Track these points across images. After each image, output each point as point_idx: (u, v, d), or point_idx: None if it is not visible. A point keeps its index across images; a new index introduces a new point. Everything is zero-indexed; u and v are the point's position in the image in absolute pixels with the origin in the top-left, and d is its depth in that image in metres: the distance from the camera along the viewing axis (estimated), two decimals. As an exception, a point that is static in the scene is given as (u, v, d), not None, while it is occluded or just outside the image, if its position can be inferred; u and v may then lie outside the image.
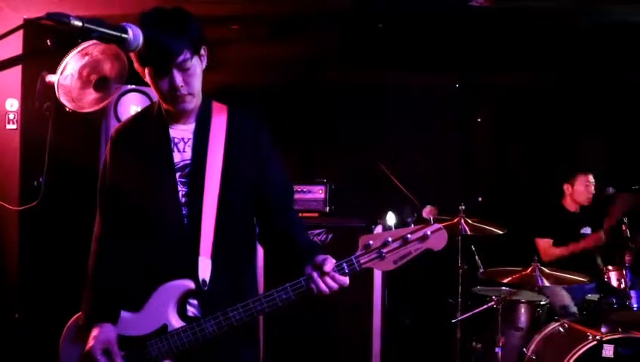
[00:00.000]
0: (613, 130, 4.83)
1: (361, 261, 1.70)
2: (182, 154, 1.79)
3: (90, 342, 1.75)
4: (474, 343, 3.68)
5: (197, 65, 1.73)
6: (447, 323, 3.71)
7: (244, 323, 1.71)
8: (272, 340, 3.54)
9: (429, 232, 1.70)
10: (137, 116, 1.95)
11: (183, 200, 1.77)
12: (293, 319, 3.54)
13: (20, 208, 3.35)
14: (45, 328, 3.31)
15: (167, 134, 1.80)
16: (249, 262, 1.90)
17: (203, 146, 1.78)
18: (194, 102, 1.77)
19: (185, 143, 1.80)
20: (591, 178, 4.26)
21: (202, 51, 1.76)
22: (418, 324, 4.40)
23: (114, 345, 1.75)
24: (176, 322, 1.76)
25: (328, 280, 1.67)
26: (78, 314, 1.87)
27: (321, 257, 1.69)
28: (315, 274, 1.67)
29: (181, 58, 1.66)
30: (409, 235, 1.70)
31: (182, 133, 1.81)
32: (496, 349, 3.39)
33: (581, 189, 4.25)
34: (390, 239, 1.70)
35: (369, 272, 3.62)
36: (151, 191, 1.78)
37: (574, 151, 5.01)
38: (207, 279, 1.75)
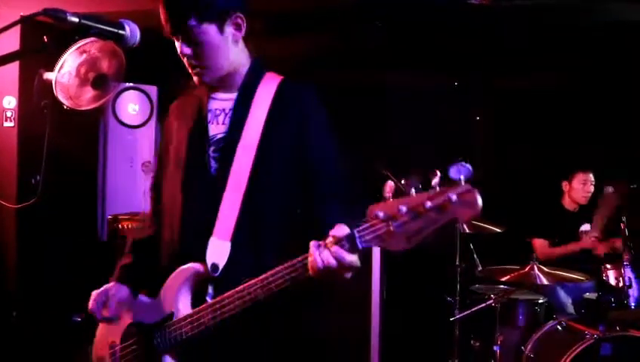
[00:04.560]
0: (613, 130, 4.83)
1: (366, 237, 1.33)
2: (219, 127, 1.64)
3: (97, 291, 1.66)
4: (472, 341, 3.68)
5: (211, 36, 1.56)
6: (446, 322, 3.71)
7: (243, 316, 1.47)
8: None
9: (454, 197, 1.25)
10: (191, 88, 1.79)
11: (213, 175, 1.61)
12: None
13: (18, 206, 3.35)
14: (43, 326, 3.31)
15: (204, 106, 1.66)
16: (281, 251, 1.55)
17: (241, 119, 1.61)
18: (211, 75, 1.61)
19: (226, 115, 1.65)
20: (590, 176, 4.24)
21: (229, 20, 1.58)
22: (416, 322, 4.40)
23: (114, 300, 1.64)
24: (184, 310, 1.57)
25: (325, 253, 1.35)
26: None
27: (330, 232, 1.39)
28: (312, 248, 1.38)
29: (183, 27, 1.53)
30: (428, 202, 1.27)
31: (223, 103, 1.66)
32: (495, 347, 3.39)
33: (578, 187, 4.24)
34: (404, 209, 1.28)
35: (367, 269, 3.62)
36: (184, 166, 1.65)
37: (574, 150, 5.00)
38: (221, 264, 1.54)
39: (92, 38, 2.49)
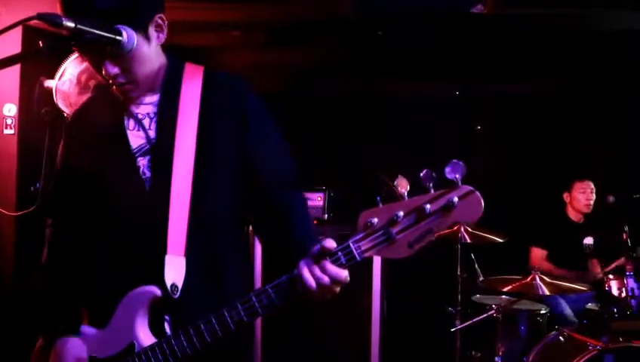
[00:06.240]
0: (615, 138, 4.81)
1: (363, 247, 1.25)
2: (147, 133, 1.47)
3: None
4: (473, 352, 3.65)
5: (139, 47, 1.37)
6: (447, 332, 3.67)
7: (224, 339, 1.34)
8: (270, 352, 3.51)
9: (455, 198, 1.20)
10: (96, 95, 1.63)
11: (149, 188, 1.45)
12: (292, 329, 3.51)
13: (17, 213, 3.33)
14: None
15: (121, 112, 1.49)
16: (237, 259, 1.54)
17: (171, 120, 1.45)
18: (139, 89, 1.45)
19: (151, 119, 1.48)
20: (590, 184, 4.20)
21: (153, 25, 1.42)
22: (417, 333, 4.36)
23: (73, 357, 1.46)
24: (145, 339, 1.41)
25: (317, 271, 1.25)
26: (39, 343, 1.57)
27: (317, 247, 1.27)
28: (302, 265, 1.27)
29: (114, 46, 1.32)
30: (428, 206, 1.20)
31: (146, 107, 1.49)
32: (496, 358, 3.36)
33: (579, 196, 4.21)
34: (401, 214, 1.21)
35: (367, 280, 3.59)
36: (109, 180, 1.47)
37: (575, 159, 4.99)
38: (180, 283, 1.40)
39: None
